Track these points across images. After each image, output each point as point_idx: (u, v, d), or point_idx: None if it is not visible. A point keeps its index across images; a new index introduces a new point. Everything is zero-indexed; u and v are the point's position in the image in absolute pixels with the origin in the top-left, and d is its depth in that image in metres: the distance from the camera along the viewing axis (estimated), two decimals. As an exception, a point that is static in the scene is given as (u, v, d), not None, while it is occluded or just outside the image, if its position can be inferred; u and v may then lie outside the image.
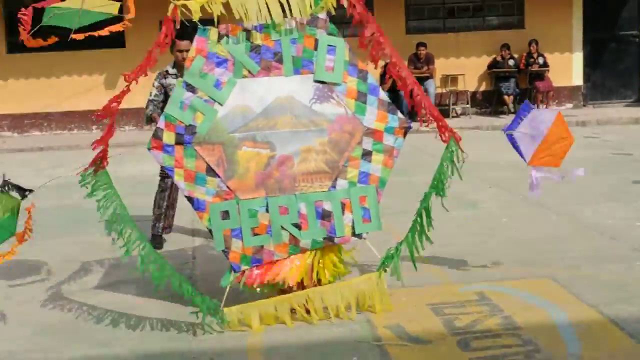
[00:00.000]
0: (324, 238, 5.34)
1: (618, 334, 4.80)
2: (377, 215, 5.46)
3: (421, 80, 15.49)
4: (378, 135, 5.45)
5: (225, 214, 5.17)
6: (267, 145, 5.26)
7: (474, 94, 17.18)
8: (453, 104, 16.97)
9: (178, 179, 5.19)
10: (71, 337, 5.14)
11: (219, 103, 5.23)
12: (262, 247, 5.23)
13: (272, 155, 5.26)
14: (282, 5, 5.32)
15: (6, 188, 5.18)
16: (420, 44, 16.03)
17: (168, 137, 5.16)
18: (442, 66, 16.75)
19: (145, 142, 5.23)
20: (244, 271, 5.27)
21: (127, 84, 5.10)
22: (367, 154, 5.44)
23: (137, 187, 9.96)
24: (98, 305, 5.68)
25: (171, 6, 5.11)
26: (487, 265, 6.33)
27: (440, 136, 5.59)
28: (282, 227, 5.25)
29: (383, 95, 5.50)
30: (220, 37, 5.30)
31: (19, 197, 5.24)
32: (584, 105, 17.30)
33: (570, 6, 17.04)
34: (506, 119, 16.06)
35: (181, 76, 5.90)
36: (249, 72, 5.30)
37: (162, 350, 4.88)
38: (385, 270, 5.46)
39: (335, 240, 5.37)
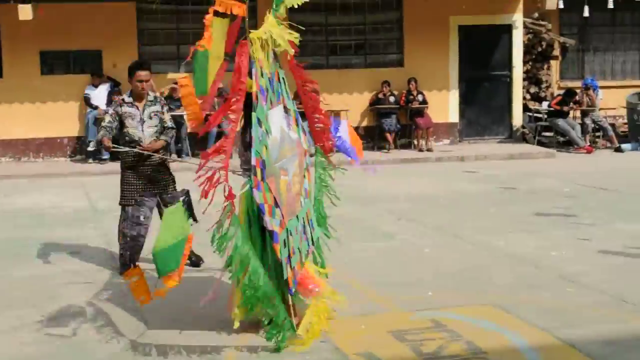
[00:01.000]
0: (307, 250, 5.68)
1: (579, 356, 5.07)
2: (316, 222, 5.98)
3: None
4: (306, 154, 5.89)
5: (285, 242, 5.23)
6: (286, 172, 5.44)
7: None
8: (336, 139, 17.26)
9: (267, 215, 5.09)
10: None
11: (270, 134, 5.30)
12: (295, 268, 5.34)
13: (287, 181, 5.45)
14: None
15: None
16: (305, 80, 16.29)
17: (259, 174, 5.11)
18: (326, 102, 17.04)
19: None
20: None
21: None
22: (304, 172, 5.84)
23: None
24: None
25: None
26: (427, 294, 6.52)
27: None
28: (298, 247, 5.45)
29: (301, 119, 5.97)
30: (262, 71, 5.36)
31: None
32: (460, 141, 18.04)
33: (446, 46, 17.80)
34: (389, 155, 16.54)
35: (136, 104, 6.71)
36: (271, 103, 5.43)
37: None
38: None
39: (309, 250, 5.76)
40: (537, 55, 18.82)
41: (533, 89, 18.89)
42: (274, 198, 5.19)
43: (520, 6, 17.88)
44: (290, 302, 5.38)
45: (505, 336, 5.46)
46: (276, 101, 5.59)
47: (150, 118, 7.10)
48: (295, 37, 5.57)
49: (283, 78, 5.76)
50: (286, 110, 5.72)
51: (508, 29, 18.00)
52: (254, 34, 5.31)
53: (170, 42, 16.75)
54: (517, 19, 17.94)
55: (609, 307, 6.07)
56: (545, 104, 18.43)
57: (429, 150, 16.96)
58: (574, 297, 6.36)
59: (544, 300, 6.31)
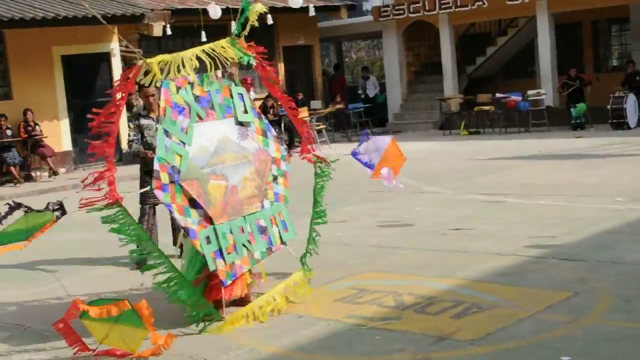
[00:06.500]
0: (267, 249, 6.48)
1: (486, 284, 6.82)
2: (291, 225, 6.84)
3: None
4: (278, 163, 6.80)
5: (208, 239, 5.94)
6: (223, 177, 6.22)
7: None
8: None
9: (175, 213, 5.81)
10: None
11: (188, 145, 6.00)
12: (234, 263, 6.11)
13: (226, 185, 6.22)
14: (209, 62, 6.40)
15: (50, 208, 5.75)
16: None
17: (164, 178, 5.78)
18: None
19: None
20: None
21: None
22: (275, 178, 6.75)
23: None
24: None
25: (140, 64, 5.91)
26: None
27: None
28: (243, 244, 6.21)
29: (274, 130, 6.88)
30: (177, 89, 5.95)
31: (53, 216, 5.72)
32: (75, 169, 18.34)
33: (52, 77, 17.96)
34: (14, 189, 16.17)
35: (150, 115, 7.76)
36: (199, 117, 6.19)
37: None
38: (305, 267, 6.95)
39: (273, 249, 6.56)
40: (127, 81, 19.86)
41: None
42: (190, 199, 5.93)
43: (116, 34, 18.78)
44: (223, 292, 6.14)
45: (418, 284, 6.93)
46: (222, 115, 6.36)
47: None
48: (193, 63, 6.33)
49: (240, 94, 6.50)
50: (241, 123, 6.47)
51: (107, 57, 18.83)
52: (154, 59, 6.07)
53: None
54: (115, 47, 18.86)
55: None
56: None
57: (55, 174, 17.05)
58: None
59: (416, 259, 7.89)
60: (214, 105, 6.35)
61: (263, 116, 6.87)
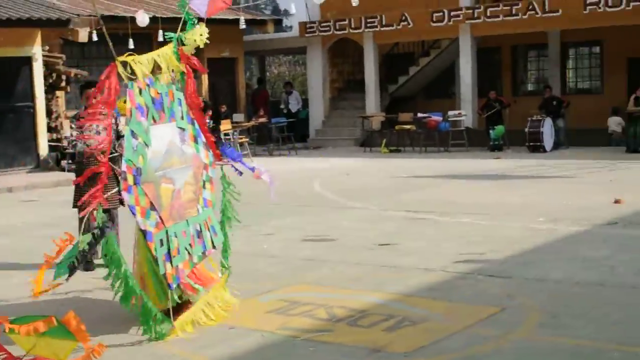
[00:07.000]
0: (202, 252, 6.50)
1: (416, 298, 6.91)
2: (220, 229, 6.88)
3: None
4: (207, 168, 6.80)
5: (161, 242, 5.91)
6: (171, 181, 6.23)
7: None
8: None
9: (138, 215, 5.75)
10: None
11: (150, 147, 5.99)
12: (177, 266, 6.06)
13: (174, 189, 6.23)
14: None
15: None
16: None
17: (130, 179, 5.73)
18: None
19: None
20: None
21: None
22: (204, 183, 6.74)
23: None
24: None
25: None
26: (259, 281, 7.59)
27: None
28: (185, 248, 6.20)
29: (203, 137, 6.83)
30: (140, 90, 5.97)
31: None
32: (-8, 173, 17.84)
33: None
34: None
35: None
36: (154, 119, 6.17)
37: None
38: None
39: (206, 253, 6.59)
40: (48, 86, 19.47)
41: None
42: (150, 202, 5.92)
43: (39, 39, 18.42)
44: (169, 297, 6.10)
45: (349, 298, 6.97)
46: (169, 118, 6.34)
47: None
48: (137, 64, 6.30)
49: (179, 99, 6.45)
50: (181, 128, 6.44)
51: (28, 61, 18.40)
52: (120, 58, 5.98)
53: None
54: (37, 51, 18.45)
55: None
56: (56, 135, 19.15)
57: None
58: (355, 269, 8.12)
59: (346, 272, 7.93)
60: (164, 108, 6.33)
61: (196, 122, 6.81)
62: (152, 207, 5.89)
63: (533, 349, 5.46)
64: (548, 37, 23.61)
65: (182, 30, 6.58)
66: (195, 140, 6.68)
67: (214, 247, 6.70)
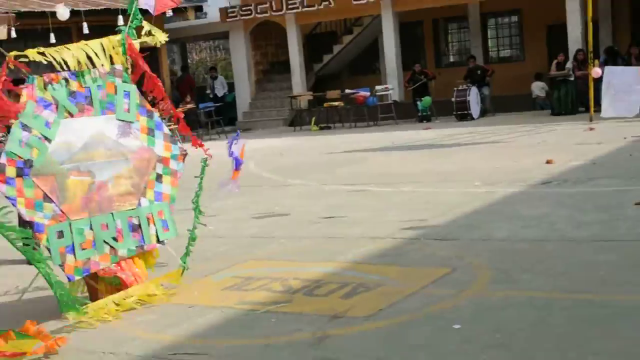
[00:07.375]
0: (137, 246, 6.50)
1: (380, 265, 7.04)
2: (173, 224, 6.81)
3: None
4: (166, 162, 6.78)
5: (60, 234, 5.99)
6: (88, 174, 6.28)
7: None
8: None
9: (20, 206, 5.85)
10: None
11: (49, 140, 6.06)
12: (89, 259, 6.15)
13: (92, 182, 6.29)
14: (90, 57, 6.45)
15: None
16: None
17: (10, 171, 5.80)
18: None
19: None
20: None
21: None
22: (159, 177, 6.73)
23: None
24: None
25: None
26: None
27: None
28: (104, 241, 6.26)
29: (166, 129, 6.84)
30: (45, 84, 6.14)
31: None
32: None
33: None
34: None
35: None
36: (69, 113, 6.24)
37: None
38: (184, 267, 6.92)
39: (145, 247, 6.57)
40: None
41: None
42: (44, 193, 5.96)
43: (-45, 36, 17.91)
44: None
45: (303, 270, 7.07)
46: (101, 111, 6.38)
47: None
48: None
49: (127, 92, 6.45)
50: (124, 120, 6.45)
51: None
52: (30, 52, 6.14)
53: None
54: (-47, 48, 17.92)
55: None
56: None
57: None
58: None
59: (295, 246, 8.01)
60: (93, 101, 6.35)
61: (156, 114, 6.80)
62: (47, 199, 5.96)
63: (490, 303, 5.64)
64: (468, 9, 24.01)
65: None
66: (150, 133, 6.66)
67: (159, 242, 6.65)
